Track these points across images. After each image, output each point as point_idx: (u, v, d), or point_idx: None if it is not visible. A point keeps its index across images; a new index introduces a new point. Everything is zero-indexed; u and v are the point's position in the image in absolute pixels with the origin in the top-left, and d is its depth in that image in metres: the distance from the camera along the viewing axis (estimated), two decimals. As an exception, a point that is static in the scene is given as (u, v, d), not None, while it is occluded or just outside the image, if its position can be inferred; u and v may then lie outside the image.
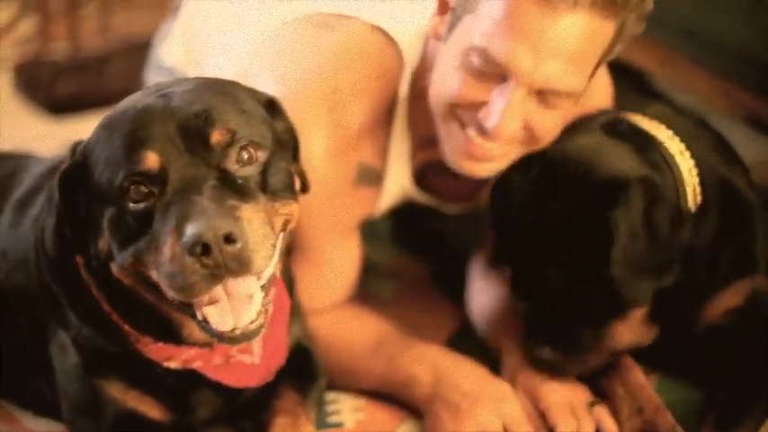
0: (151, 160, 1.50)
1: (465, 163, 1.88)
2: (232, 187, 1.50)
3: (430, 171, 2.12)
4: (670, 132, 1.90)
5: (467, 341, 2.12)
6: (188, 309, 1.54)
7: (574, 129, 1.92)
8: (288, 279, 1.87)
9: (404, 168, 2.07)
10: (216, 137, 1.52)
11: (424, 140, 2.02)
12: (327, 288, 2.04)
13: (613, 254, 1.73)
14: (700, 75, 2.98)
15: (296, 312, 1.91)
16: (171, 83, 1.64)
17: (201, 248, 1.41)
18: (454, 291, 2.28)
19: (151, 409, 1.75)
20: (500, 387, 1.88)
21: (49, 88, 3.33)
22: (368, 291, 2.31)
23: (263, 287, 1.54)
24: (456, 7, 1.82)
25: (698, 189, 1.88)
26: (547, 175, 1.85)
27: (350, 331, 2.04)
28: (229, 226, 1.42)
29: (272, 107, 1.69)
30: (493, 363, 1.98)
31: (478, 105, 1.80)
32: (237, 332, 1.52)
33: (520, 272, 1.92)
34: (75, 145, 1.65)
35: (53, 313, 1.76)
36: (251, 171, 1.54)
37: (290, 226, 1.62)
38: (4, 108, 3.33)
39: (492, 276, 2.19)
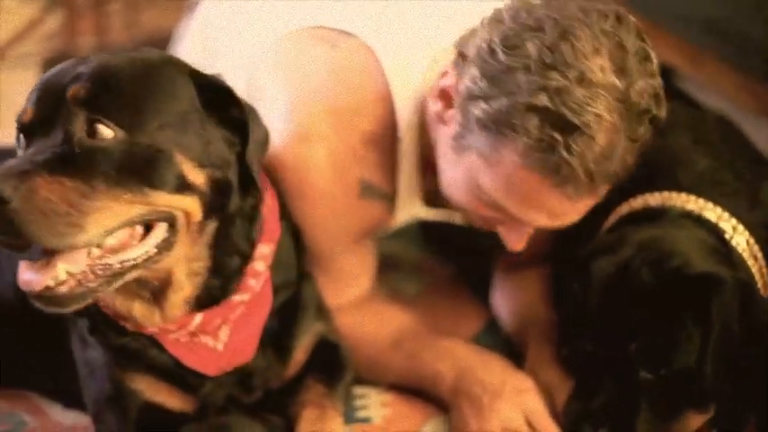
0: (27, 114, 1.51)
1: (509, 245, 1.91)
2: (67, 157, 1.45)
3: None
4: (726, 215, 1.89)
5: (492, 338, 2.12)
6: None
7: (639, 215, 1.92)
8: (302, 277, 1.88)
9: (415, 192, 2.05)
10: (71, 92, 1.48)
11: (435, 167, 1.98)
12: (341, 293, 2.04)
13: (708, 349, 1.71)
14: (727, 73, 2.97)
15: (319, 309, 1.93)
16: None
17: None
18: (480, 287, 2.28)
19: (172, 399, 1.75)
20: (523, 381, 1.88)
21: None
22: (393, 287, 2.32)
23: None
24: (461, 126, 1.77)
25: (764, 270, 1.88)
26: (635, 264, 1.79)
27: (373, 327, 2.04)
28: (2, 185, 1.37)
29: (220, 93, 1.62)
30: (518, 360, 1.97)
31: (494, 218, 1.84)
32: (46, 294, 1.47)
33: (591, 358, 1.83)
34: None
35: None
36: (97, 146, 1.46)
37: (187, 220, 1.56)
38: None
39: (517, 275, 2.19)
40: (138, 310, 1.63)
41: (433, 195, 2.04)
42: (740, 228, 1.87)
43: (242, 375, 1.78)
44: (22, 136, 1.53)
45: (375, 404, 1.95)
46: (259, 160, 1.67)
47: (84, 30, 3.60)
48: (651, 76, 1.70)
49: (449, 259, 2.47)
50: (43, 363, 1.92)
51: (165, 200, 1.51)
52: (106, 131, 1.47)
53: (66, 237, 1.42)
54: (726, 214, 1.88)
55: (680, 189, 1.92)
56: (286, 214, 1.86)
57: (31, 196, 1.39)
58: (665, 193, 1.92)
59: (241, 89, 2.07)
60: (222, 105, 1.61)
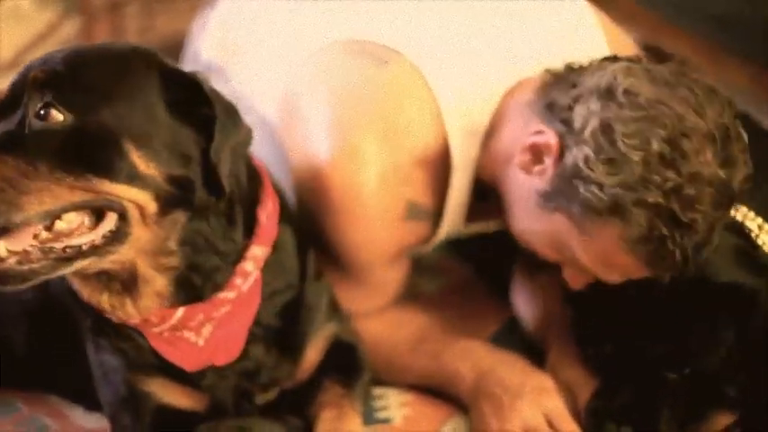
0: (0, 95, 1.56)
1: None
2: (16, 137, 1.49)
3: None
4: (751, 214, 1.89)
5: (511, 337, 2.12)
6: None
7: None
8: (306, 279, 1.87)
9: (462, 215, 2.04)
10: (31, 74, 1.51)
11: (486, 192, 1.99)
12: (370, 302, 2.04)
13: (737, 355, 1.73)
14: (742, 68, 2.96)
15: (331, 310, 1.93)
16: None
17: None
18: (499, 287, 2.27)
19: (183, 399, 1.76)
20: (543, 380, 1.88)
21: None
22: (412, 288, 2.31)
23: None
24: (555, 190, 1.77)
25: None
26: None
27: (392, 328, 2.04)
28: None
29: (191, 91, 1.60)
30: (537, 359, 1.97)
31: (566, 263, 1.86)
32: None
33: (615, 358, 1.86)
34: None
35: (78, 304, 1.76)
36: (43, 126, 1.48)
37: (136, 212, 1.55)
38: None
39: (538, 275, 2.18)
40: (108, 301, 1.64)
41: (475, 214, 2.05)
42: (766, 226, 1.87)
43: (247, 370, 1.78)
44: None
45: (395, 404, 1.95)
46: (246, 158, 1.70)
47: (101, 34, 3.60)
48: (746, 162, 1.71)
49: (467, 259, 2.47)
50: (62, 365, 1.93)
51: (110, 188, 1.51)
52: (57, 115, 1.49)
53: (2, 214, 1.45)
54: (751, 213, 1.87)
55: None
56: (291, 220, 1.84)
57: None
58: None
59: (263, 90, 2.08)
60: (193, 102, 1.59)
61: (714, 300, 1.73)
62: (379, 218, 1.92)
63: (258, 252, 1.71)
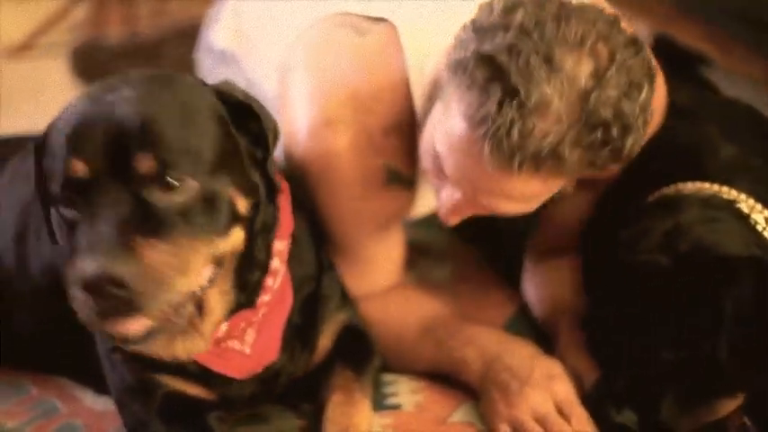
0: (77, 169, 1.43)
1: (444, 217, 1.87)
2: (146, 216, 1.41)
3: None
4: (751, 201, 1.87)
5: (523, 324, 2.12)
6: None
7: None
8: (322, 269, 1.88)
9: None
10: (139, 163, 1.42)
11: None
12: (366, 281, 2.03)
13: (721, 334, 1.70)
14: (756, 60, 2.95)
15: (342, 297, 1.94)
16: (120, 80, 1.53)
17: (84, 286, 1.36)
18: (510, 273, 2.27)
19: (195, 389, 1.76)
20: (552, 367, 1.87)
21: (104, 73, 3.33)
22: (422, 274, 2.32)
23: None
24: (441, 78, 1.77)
25: None
26: (670, 248, 1.79)
27: (399, 315, 2.03)
28: (119, 269, 1.34)
29: (242, 109, 1.59)
30: (549, 346, 1.97)
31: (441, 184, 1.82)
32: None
33: (618, 341, 1.83)
34: None
35: None
36: (173, 201, 1.44)
37: (231, 254, 1.56)
38: (60, 93, 3.36)
39: (548, 263, 2.18)
40: (180, 346, 1.64)
41: None
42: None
43: (268, 376, 1.79)
44: (65, 190, 1.46)
45: (405, 391, 1.94)
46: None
47: (112, 19, 3.61)
48: (629, 100, 1.63)
49: (478, 245, 2.47)
50: (73, 348, 1.92)
51: (224, 244, 1.52)
52: (172, 182, 1.44)
53: (164, 300, 1.42)
54: (759, 205, 1.86)
55: (709, 178, 1.90)
56: (301, 206, 1.85)
57: (140, 270, 1.37)
58: (698, 183, 1.90)
59: (269, 75, 2.09)
60: (244, 118, 1.59)
61: (718, 274, 1.71)
62: (359, 185, 1.93)
63: (280, 246, 1.71)
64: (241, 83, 1.94)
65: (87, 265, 1.35)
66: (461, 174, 1.73)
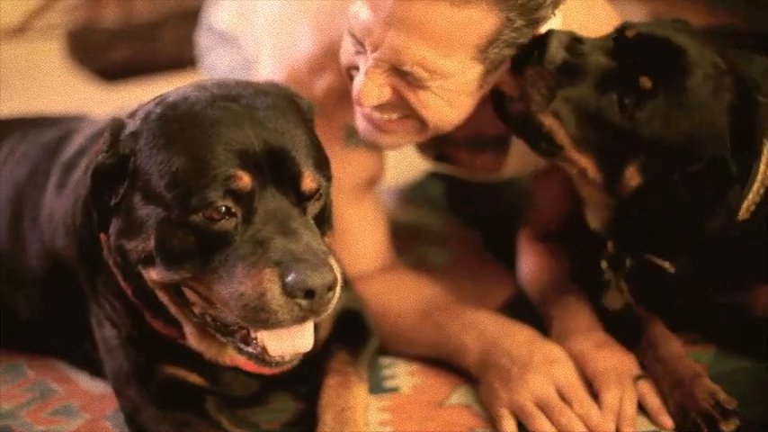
0: (243, 181, 1.50)
1: (365, 131, 1.86)
2: (310, 227, 1.56)
3: (446, 144, 2.09)
4: None
5: (521, 307, 2.10)
6: (227, 329, 1.57)
7: None
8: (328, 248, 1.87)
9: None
10: (306, 185, 1.56)
11: None
12: (352, 255, 2.02)
13: None
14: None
15: (343, 281, 1.91)
16: (223, 86, 1.62)
17: (304, 294, 1.47)
18: (507, 257, 2.26)
19: (192, 375, 1.76)
20: (551, 350, 1.86)
21: (101, 55, 3.35)
22: (420, 257, 2.32)
23: None
24: None
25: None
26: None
27: (398, 299, 2.03)
28: (332, 277, 1.49)
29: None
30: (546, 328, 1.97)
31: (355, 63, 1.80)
32: (287, 357, 1.56)
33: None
34: (117, 129, 1.60)
35: (87, 284, 1.78)
36: (317, 210, 1.60)
37: None
38: (58, 75, 3.36)
39: (540, 246, 2.18)
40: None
41: (437, 149, 2.07)
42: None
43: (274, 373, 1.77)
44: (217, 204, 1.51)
45: (403, 373, 1.94)
46: None
47: (108, 1, 3.60)
48: None
49: (475, 228, 2.46)
50: (68, 331, 1.93)
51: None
52: (319, 197, 1.59)
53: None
54: None
55: None
56: None
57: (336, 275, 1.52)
58: None
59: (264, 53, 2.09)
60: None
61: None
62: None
63: None
64: (240, 62, 1.94)
65: (311, 278, 1.48)
66: (373, 6, 1.69)
